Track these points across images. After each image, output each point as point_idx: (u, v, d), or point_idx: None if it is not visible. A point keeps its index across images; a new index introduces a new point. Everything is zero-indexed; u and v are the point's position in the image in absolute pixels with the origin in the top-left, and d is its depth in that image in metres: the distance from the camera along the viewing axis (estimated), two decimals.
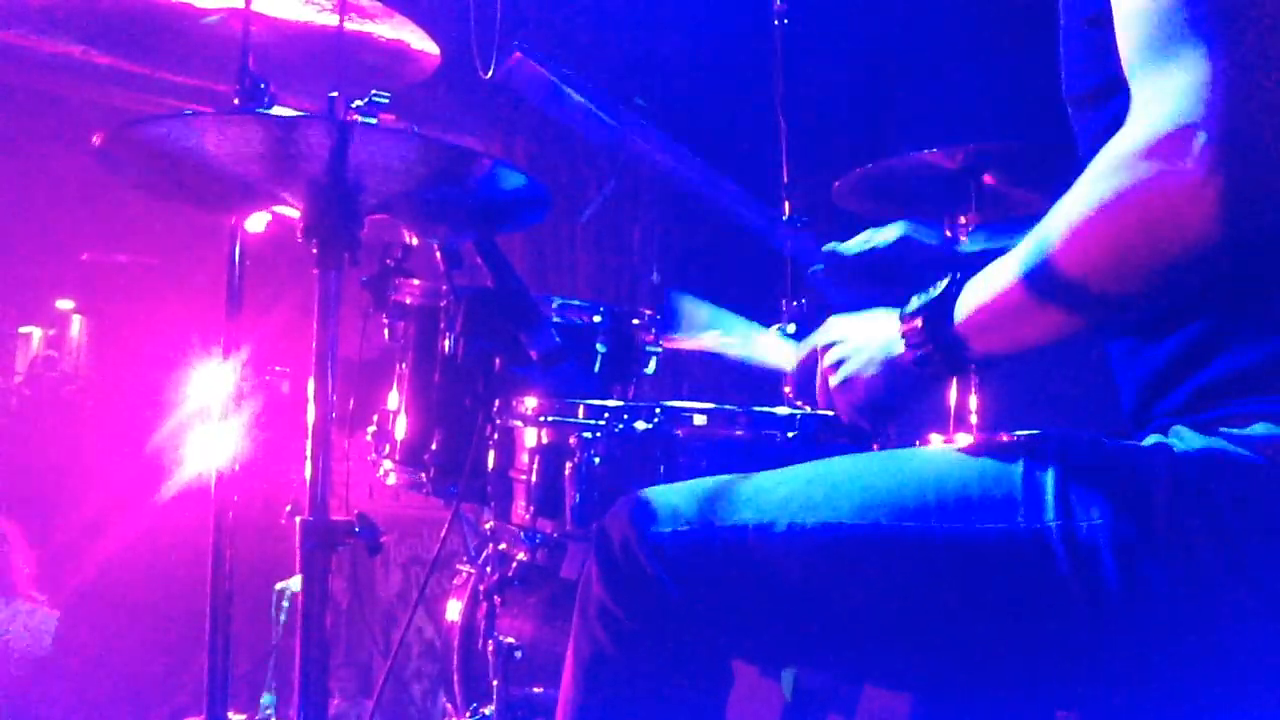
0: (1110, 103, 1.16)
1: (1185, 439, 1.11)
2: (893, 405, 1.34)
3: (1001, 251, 1.18)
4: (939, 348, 1.23)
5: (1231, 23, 0.99)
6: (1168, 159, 0.99)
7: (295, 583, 1.51)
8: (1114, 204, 1.03)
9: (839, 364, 1.36)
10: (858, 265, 1.61)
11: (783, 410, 1.79)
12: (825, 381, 1.39)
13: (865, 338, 1.35)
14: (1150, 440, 1.15)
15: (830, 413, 1.46)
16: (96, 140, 1.44)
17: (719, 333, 1.79)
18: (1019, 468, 1.15)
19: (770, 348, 1.75)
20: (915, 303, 1.26)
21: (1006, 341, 1.20)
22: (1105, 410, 1.35)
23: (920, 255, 1.60)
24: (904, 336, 1.27)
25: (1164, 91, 1.01)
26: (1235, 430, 1.08)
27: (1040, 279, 1.10)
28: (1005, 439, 1.21)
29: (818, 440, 1.75)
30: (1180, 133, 0.99)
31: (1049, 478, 1.12)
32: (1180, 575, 1.05)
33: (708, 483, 1.33)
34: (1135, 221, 1.02)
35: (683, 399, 1.93)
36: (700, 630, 1.28)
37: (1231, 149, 0.97)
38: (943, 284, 1.23)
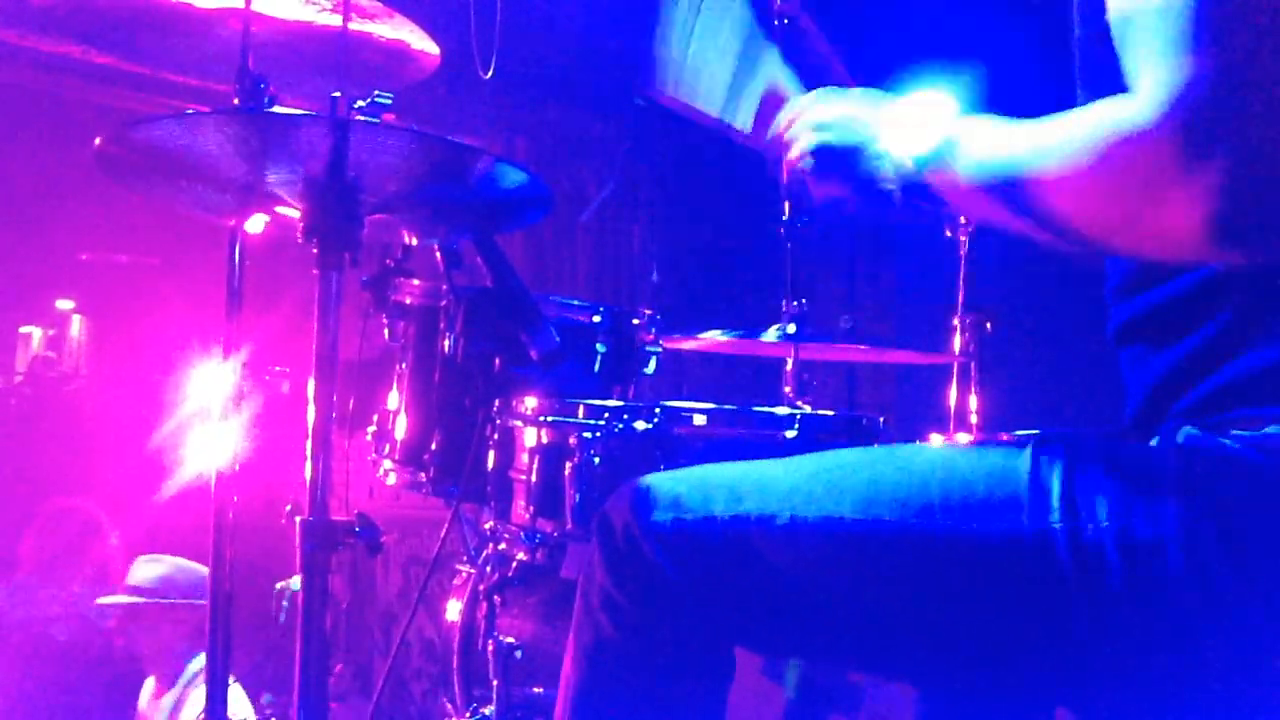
0: None
1: (1195, 441, 1.11)
2: (845, 201, 1.33)
3: None
4: (926, 198, 1.23)
5: (1227, 29, 0.97)
6: (1160, 154, 0.96)
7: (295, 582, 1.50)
8: (1102, 165, 1.02)
9: (821, 129, 1.33)
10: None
11: (783, 410, 1.79)
12: (789, 127, 1.36)
13: (864, 124, 1.30)
14: (1159, 441, 1.14)
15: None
16: (97, 142, 1.44)
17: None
18: (1024, 468, 1.14)
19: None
20: (910, 153, 1.23)
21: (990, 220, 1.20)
22: (1106, 410, 1.34)
23: None
24: (897, 173, 1.25)
25: (1161, 87, 0.98)
26: (1246, 432, 1.08)
27: (1014, 197, 1.10)
28: (1009, 439, 1.20)
29: (817, 440, 1.75)
30: (1173, 133, 0.96)
31: (1054, 478, 1.12)
32: (1186, 577, 1.05)
33: (710, 471, 1.33)
34: (1120, 188, 1.01)
35: (683, 399, 1.93)
36: (701, 618, 1.28)
37: (1220, 150, 0.94)
38: (939, 141, 1.21)
